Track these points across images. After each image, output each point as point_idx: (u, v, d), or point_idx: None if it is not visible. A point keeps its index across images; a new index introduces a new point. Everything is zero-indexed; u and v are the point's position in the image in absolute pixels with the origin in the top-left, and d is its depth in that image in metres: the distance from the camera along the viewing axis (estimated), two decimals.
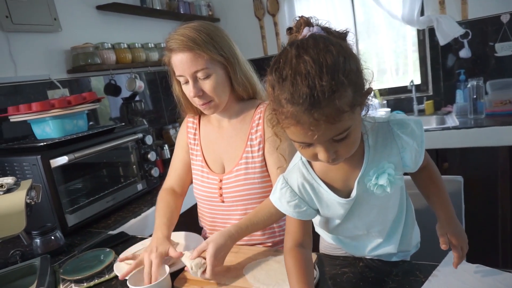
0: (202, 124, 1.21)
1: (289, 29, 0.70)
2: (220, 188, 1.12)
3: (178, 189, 1.23)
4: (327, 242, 1.00)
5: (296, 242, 0.78)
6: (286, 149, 0.95)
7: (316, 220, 0.89)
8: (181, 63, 0.99)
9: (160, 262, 0.92)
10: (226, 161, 1.14)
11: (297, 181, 0.76)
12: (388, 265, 0.87)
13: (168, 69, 1.08)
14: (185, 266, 0.94)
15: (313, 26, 0.67)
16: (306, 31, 0.66)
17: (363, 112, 0.66)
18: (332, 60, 0.57)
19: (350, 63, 0.59)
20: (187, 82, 1.02)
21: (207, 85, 1.01)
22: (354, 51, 0.67)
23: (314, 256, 0.93)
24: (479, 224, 2.13)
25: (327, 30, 0.67)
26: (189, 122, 1.23)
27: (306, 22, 0.68)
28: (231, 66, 1.03)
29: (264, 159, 1.08)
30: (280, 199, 0.78)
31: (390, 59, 2.90)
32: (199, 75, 1.00)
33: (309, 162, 0.77)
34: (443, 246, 0.73)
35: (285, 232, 0.81)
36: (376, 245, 0.86)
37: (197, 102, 1.05)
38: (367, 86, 0.65)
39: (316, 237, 1.01)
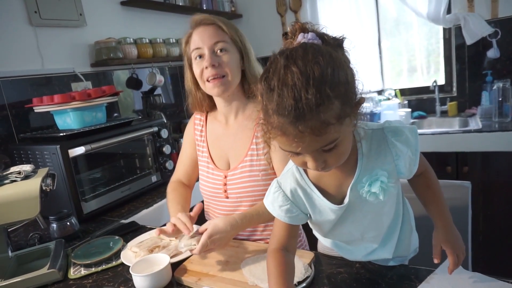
0: (209, 120, 1.23)
1: (285, 34, 0.70)
2: (225, 184, 1.15)
3: (186, 182, 1.29)
4: (324, 245, 1.00)
5: (280, 245, 0.78)
6: (271, 156, 1.02)
7: (311, 224, 0.89)
8: (202, 34, 1.05)
9: (187, 217, 1.00)
10: (232, 157, 1.16)
11: (290, 186, 0.77)
12: (384, 268, 0.87)
13: (184, 56, 1.13)
14: (186, 258, 0.99)
15: (308, 32, 0.66)
16: (300, 38, 0.66)
17: (356, 121, 0.64)
18: (319, 72, 0.56)
19: (339, 75, 0.58)
20: (201, 56, 1.06)
21: (223, 57, 1.05)
22: (352, 57, 0.66)
23: (311, 255, 0.95)
24: (500, 231, 2.06)
25: (322, 36, 0.66)
26: (196, 119, 1.26)
27: (301, 28, 0.67)
28: (246, 57, 1.09)
29: (270, 157, 1.10)
30: (272, 203, 0.79)
31: (421, 56, 2.80)
32: (218, 46, 1.05)
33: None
34: (435, 260, 0.72)
35: (271, 234, 0.82)
36: (371, 251, 0.86)
37: (209, 74, 1.05)
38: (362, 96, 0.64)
39: (314, 238, 1.02)
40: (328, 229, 0.83)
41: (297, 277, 0.84)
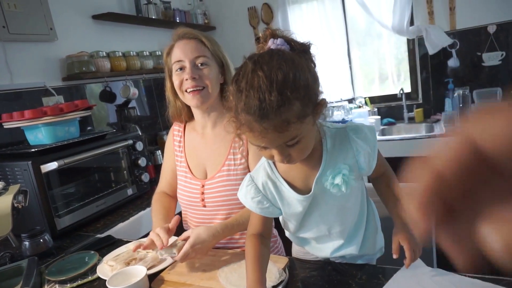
0: (187, 131, 1.26)
1: (257, 39, 0.77)
2: (202, 193, 1.17)
3: (170, 193, 1.30)
4: (297, 249, 1.05)
5: (257, 232, 0.86)
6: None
7: (283, 221, 0.94)
8: (184, 47, 1.08)
9: (165, 232, 1.00)
10: (209, 167, 1.19)
11: (261, 179, 0.84)
12: (354, 269, 0.92)
13: (164, 67, 1.16)
14: (163, 269, 1.00)
15: (277, 38, 0.73)
16: (270, 43, 0.73)
17: (320, 120, 0.73)
18: (282, 76, 0.64)
19: (300, 79, 0.65)
20: (182, 68, 1.09)
21: (204, 71, 1.09)
22: (318, 60, 0.74)
23: (285, 260, 0.98)
24: None
25: (290, 42, 0.73)
26: (175, 130, 1.28)
27: (271, 34, 0.74)
28: (228, 70, 1.15)
29: (248, 166, 1.13)
30: (245, 195, 0.85)
31: (391, 65, 2.92)
32: (199, 61, 1.08)
33: (274, 162, 0.84)
34: (394, 255, 0.78)
35: (248, 222, 0.89)
36: (338, 246, 0.92)
37: (188, 85, 1.08)
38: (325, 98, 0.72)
39: (289, 243, 1.06)
40: (298, 223, 0.89)
41: (272, 282, 0.87)
